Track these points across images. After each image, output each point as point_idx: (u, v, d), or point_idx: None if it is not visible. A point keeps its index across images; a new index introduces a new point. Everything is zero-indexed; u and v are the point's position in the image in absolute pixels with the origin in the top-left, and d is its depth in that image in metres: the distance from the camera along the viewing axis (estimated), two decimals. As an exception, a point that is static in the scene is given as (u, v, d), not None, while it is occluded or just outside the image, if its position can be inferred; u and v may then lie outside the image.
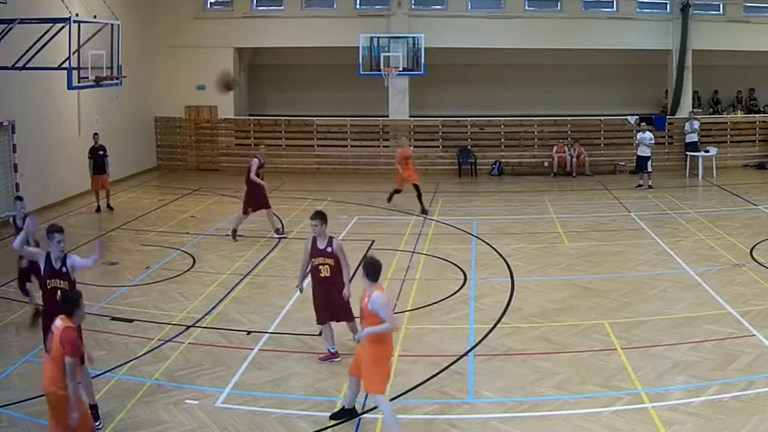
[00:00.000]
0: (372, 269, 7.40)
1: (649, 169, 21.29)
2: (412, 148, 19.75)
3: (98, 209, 18.75)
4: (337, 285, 9.09)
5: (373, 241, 15.09)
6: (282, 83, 27.06)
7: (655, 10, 25.16)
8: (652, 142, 21.60)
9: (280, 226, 16.00)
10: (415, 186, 17.92)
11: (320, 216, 9.14)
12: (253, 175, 15.45)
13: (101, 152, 18.86)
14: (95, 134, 19.13)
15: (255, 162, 15.58)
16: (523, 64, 26.21)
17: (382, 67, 23.18)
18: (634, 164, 22.25)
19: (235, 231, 15.58)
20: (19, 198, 12.03)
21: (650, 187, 21.08)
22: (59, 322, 6.82)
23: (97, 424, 7.61)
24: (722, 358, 9.07)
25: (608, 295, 11.70)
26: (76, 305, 6.95)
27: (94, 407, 7.68)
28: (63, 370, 6.64)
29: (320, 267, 9.07)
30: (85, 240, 15.71)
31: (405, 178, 18.12)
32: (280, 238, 15.47)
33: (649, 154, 21.35)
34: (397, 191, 18.55)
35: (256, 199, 15.54)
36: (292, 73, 26.82)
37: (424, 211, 17.76)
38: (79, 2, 17.71)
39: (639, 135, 21.86)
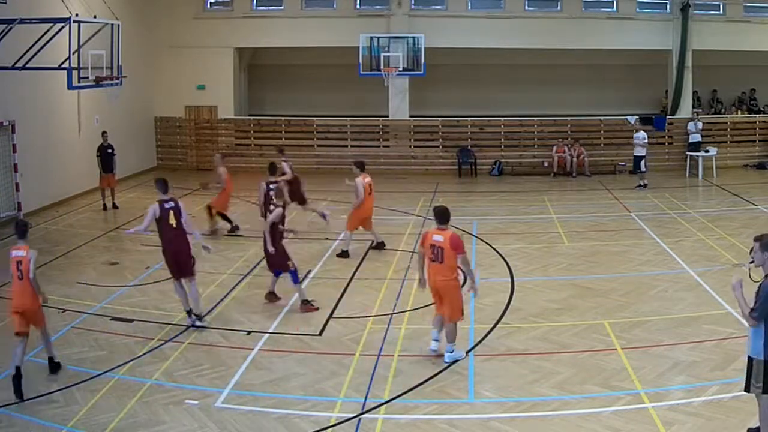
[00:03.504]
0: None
1: (644, 169, 21.32)
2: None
3: (104, 207, 18.80)
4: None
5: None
6: (282, 83, 27.06)
7: (655, 10, 25.14)
8: (646, 141, 21.65)
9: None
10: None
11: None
12: None
13: (109, 150, 18.92)
14: (104, 132, 19.16)
15: None
16: (523, 64, 26.23)
17: (382, 67, 23.14)
18: (632, 164, 22.30)
19: None
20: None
21: (645, 185, 21.09)
22: (439, 236, 8.92)
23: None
24: (722, 358, 9.07)
25: (608, 295, 11.71)
26: (448, 217, 9.16)
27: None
28: (453, 266, 8.90)
29: None
30: (86, 240, 15.73)
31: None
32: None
33: (644, 154, 21.39)
34: None
35: None
36: (292, 73, 26.84)
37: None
38: (79, 2, 17.70)
39: (634, 135, 21.94)
